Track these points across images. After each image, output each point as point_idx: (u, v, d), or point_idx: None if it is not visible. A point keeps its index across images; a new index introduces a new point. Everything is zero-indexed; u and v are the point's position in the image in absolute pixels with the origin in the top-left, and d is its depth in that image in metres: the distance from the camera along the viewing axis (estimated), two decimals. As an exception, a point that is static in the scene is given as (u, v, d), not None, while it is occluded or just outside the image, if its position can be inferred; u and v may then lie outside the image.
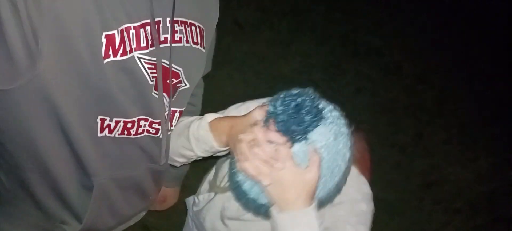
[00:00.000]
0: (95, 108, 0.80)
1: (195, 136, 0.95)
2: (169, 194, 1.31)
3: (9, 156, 0.86)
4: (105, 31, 0.73)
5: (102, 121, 0.82)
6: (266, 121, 0.85)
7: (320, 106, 0.87)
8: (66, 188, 0.91)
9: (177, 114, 0.96)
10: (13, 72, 0.68)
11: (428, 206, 2.78)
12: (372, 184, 2.70)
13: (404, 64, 3.63)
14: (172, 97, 0.91)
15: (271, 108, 0.84)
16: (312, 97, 0.85)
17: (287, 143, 0.81)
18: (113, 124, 0.84)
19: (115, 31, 0.74)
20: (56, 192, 0.91)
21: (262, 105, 0.88)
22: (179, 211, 2.20)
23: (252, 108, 0.90)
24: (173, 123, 0.96)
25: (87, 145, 0.84)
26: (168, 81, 0.86)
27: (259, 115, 0.86)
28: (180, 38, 0.87)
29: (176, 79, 0.89)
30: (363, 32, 3.72)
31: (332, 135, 0.86)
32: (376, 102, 3.31)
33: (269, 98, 0.89)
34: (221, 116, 0.98)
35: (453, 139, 3.21)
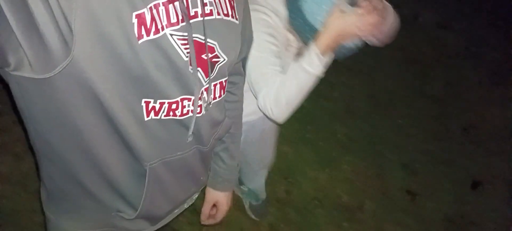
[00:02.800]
0: (137, 91, 0.78)
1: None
2: (220, 201, 1.25)
3: (57, 151, 0.84)
4: (134, 11, 0.71)
5: (147, 103, 0.80)
6: (353, 3, 1.15)
7: None
8: (118, 177, 0.89)
9: (218, 86, 0.93)
10: (49, 60, 0.67)
11: (470, 149, 2.72)
12: (413, 136, 2.68)
13: (422, 13, 3.56)
14: (211, 72, 0.87)
15: None
16: None
17: None
18: (157, 106, 0.82)
19: (145, 10, 0.72)
20: (108, 182, 0.89)
21: (336, 6, 1.18)
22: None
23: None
24: (216, 94, 0.93)
25: (135, 130, 0.82)
26: (203, 56, 0.83)
27: (342, 12, 1.17)
28: (211, 10, 0.84)
29: (212, 54, 0.86)
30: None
31: None
32: (400, 56, 3.24)
33: None
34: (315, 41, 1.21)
35: (485, 80, 3.14)
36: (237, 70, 1.08)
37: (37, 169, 0.98)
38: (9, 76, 0.71)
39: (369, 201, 2.34)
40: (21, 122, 0.84)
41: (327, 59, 1.23)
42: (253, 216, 2.15)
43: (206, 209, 1.25)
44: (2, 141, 2.29)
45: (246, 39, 1.01)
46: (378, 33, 1.20)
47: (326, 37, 1.19)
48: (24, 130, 0.86)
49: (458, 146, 2.74)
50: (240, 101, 1.16)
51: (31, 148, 0.90)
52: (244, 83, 1.15)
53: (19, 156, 2.22)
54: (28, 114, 0.79)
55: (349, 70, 3.10)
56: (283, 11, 1.31)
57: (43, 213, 1.02)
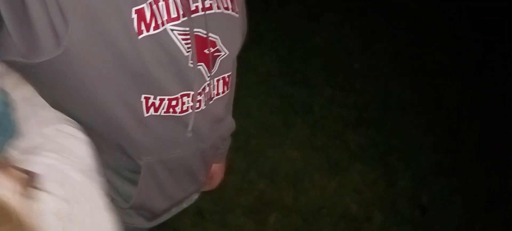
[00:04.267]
0: (137, 87, 0.78)
1: None
2: (215, 171, 1.25)
3: None
4: (134, 6, 0.71)
5: (146, 99, 0.80)
6: None
7: None
8: (112, 172, 0.89)
9: (221, 81, 0.92)
10: (37, 48, 0.68)
11: (484, 164, 2.65)
12: (426, 148, 2.63)
13: (441, 23, 3.50)
14: (212, 67, 0.87)
15: None
16: None
17: None
18: (157, 102, 0.81)
19: (144, 5, 0.72)
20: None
21: None
22: (231, 195, 2.20)
23: None
24: (220, 90, 0.92)
25: (132, 126, 0.82)
26: (205, 51, 0.83)
27: None
28: (211, 4, 0.83)
29: (213, 48, 0.86)
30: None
31: None
32: (416, 65, 3.19)
33: None
34: None
35: (503, 93, 3.06)
36: None
37: None
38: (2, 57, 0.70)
39: (378, 212, 2.29)
40: None
41: None
42: None
43: None
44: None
45: (243, 33, 1.01)
46: None
47: None
48: None
49: (472, 160, 2.67)
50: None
51: None
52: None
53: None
54: None
55: (364, 77, 3.05)
56: None
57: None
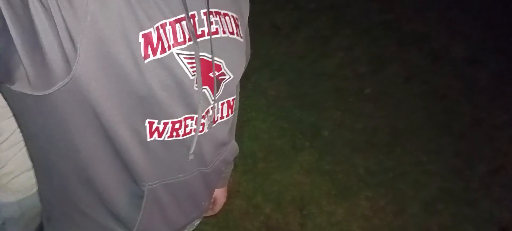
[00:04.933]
0: (141, 111, 0.77)
1: None
2: (217, 196, 1.25)
3: (53, 169, 0.84)
4: (141, 30, 0.71)
5: (150, 124, 0.79)
6: None
7: None
8: (115, 198, 0.88)
9: (226, 105, 0.93)
10: (49, 77, 0.67)
11: (497, 192, 2.59)
12: (436, 175, 2.58)
13: (453, 47, 3.47)
14: (217, 91, 0.87)
15: None
16: None
17: None
18: (161, 127, 0.81)
19: (151, 29, 0.72)
20: (104, 203, 0.88)
21: None
22: (236, 219, 2.19)
23: None
24: (224, 113, 0.93)
25: (136, 151, 0.81)
26: (210, 74, 0.83)
27: None
28: (217, 29, 0.84)
29: (218, 72, 0.86)
30: (406, 19, 3.59)
31: None
32: (427, 90, 3.16)
33: None
34: None
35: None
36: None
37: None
38: (10, 92, 0.70)
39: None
40: None
41: None
42: None
43: None
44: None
45: (247, 58, 1.02)
46: None
47: None
48: None
49: (484, 188, 2.61)
50: (235, 115, 1.13)
51: None
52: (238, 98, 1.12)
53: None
54: (27, 133, 0.80)
55: (374, 101, 3.03)
56: None
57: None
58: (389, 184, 2.55)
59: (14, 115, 0.78)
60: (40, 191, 0.94)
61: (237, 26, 0.90)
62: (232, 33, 0.88)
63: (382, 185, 2.54)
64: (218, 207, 1.29)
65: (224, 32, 0.86)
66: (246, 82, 2.89)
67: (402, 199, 2.47)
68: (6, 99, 0.75)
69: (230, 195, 2.12)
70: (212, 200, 1.23)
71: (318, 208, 2.34)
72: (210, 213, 1.29)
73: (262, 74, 3.02)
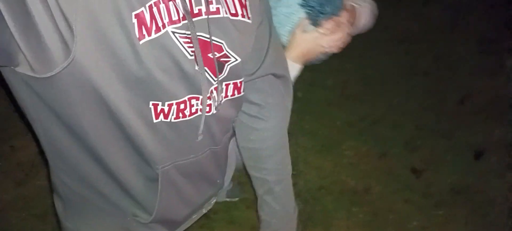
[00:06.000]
0: (143, 93, 0.76)
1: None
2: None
3: (66, 153, 0.82)
4: (133, 11, 0.69)
5: (155, 106, 0.78)
6: (315, 23, 1.13)
7: None
8: (130, 181, 0.87)
9: (231, 86, 0.89)
10: (48, 60, 0.66)
11: (468, 120, 2.74)
12: (410, 114, 2.68)
13: None
14: (221, 72, 0.84)
15: (311, 13, 1.12)
16: None
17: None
18: (166, 108, 0.79)
19: (143, 9, 0.70)
20: (121, 185, 0.87)
21: (299, 26, 1.15)
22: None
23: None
24: (229, 93, 0.89)
25: (144, 132, 0.80)
26: (210, 55, 0.80)
27: (304, 32, 1.15)
28: (218, 9, 0.80)
29: (219, 53, 0.82)
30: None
31: None
32: (387, 35, 3.26)
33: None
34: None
35: (474, 50, 3.17)
36: (261, 88, 1.02)
37: (41, 189, 0.97)
38: (15, 75, 0.69)
39: (375, 183, 2.35)
40: (20, 147, 0.83)
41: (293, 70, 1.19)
42: (227, 199, 2.17)
43: None
44: (1, 169, 2.26)
45: (265, 49, 0.96)
46: (347, 40, 1.21)
47: (288, 55, 1.16)
48: (33, 150, 0.85)
49: (456, 118, 2.75)
50: (271, 130, 1.08)
51: (32, 172, 0.88)
52: (277, 107, 1.07)
53: (21, 181, 2.19)
54: (36, 116, 0.78)
55: (340, 56, 3.08)
56: None
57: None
58: (368, 130, 2.65)
59: (21, 100, 0.75)
60: (55, 178, 0.92)
61: (243, 6, 0.85)
62: (235, 14, 0.84)
63: (362, 132, 2.63)
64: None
65: (226, 12, 0.82)
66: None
67: (383, 142, 2.57)
68: (15, 87, 0.73)
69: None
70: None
71: (306, 166, 2.40)
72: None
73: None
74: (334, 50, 1.20)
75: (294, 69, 1.19)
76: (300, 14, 1.14)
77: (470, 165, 2.47)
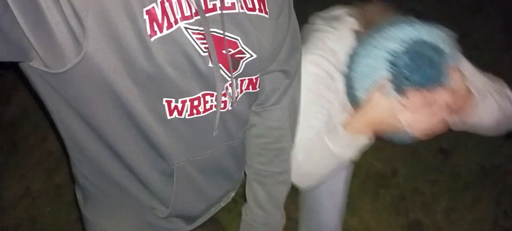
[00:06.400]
0: (155, 91, 0.75)
1: (336, 153, 1.00)
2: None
3: (84, 147, 0.83)
4: (144, 7, 0.68)
5: (168, 103, 0.77)
6: (398, 90, 0.91)
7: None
8: (147, 175, 0.87)
9: (246, 81, 0.87)
10: (60, 56, 0.66)
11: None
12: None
13: None
14: (236, 69, 0.82)
15: (397, 75, 0.90)
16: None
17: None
18: (180, 105, 0.78)
19: (154, 4, 0.68)
20: (138, 178, 0.87)
21: (380, 85, 0.93)
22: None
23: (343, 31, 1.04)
24: (243, 88, 0.87)
25: (158, 129, 0.79)
26: (223, 51, 0.78)
27: (384, 95, 0.93)
28: (233, 4, 0.78)
29: (234, 49, 0.80)
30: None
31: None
32: None
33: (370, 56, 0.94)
34: (349, 119, 1.00)
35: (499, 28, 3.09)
36: (279, 97, 0.97)
37: (71, 177, 0.98)
38: (32, 69, 0.70)
39: (402, 165, 2.33)
40: (50, 138, 0.84)
41: (357, 142, 1.01)
42: None
43: None
44: (33, 158, 2.32)
45: (281, 43, 0.90)
46: (441, 127, 0.94)
47: (357, 119, 0.98)
48: (59, 143, 0.84)
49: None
50: (286, 135, 1.03)
51: (62, 160, 0.89)
52: (289, 111, 1.00)
53: (52, 170, 2.25)
54: (54, 109, 0.78)
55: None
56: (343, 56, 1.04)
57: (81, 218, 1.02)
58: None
59: (39, 93, 0.76)
60: (75, 170, 0.93)
61: (261, 1, 0.82)
62: (252, 9, 0.81)
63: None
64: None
65: (242, 7, 0.79)
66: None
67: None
68: (33, 80, 0.74)
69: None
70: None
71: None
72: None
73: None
74: (417, 134, 0.94)
75: (357, 141, 1.01)
76: (385, 72, 0.91)
77: (500, 145, 2.42)
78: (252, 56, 0.83)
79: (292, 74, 0.95)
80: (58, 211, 2.10)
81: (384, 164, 2.33)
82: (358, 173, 2.29)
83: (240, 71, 0.83)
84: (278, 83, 0.95)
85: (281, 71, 0.93)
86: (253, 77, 0.87)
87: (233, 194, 1.10)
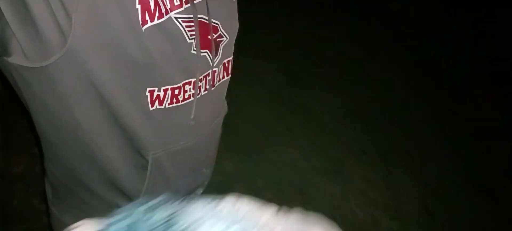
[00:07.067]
0: (142, 80, 0.76)
1: None
2: None
3: (56, 144, 0.83)
4: None
5: (151, 92, 0.78)
6: None
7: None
8: (119, 171, 0.87)
9: (221, 66, 0.90)
10: (43, 49, 0.66)
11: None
12: (432, 151, 2.56)
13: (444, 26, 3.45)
14: (216, 54, 0.86)
15: None
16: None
17: None
18: (161, 94, 0.79)
19: None
20: (107, 177, 0.88)
21: None
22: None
23: None
24: (220, 76, 0.91)
25: (139, 121, 0.80)
26: (208, 36, 0.81)
27: None
28: None
29: (216, 34, 0.84)
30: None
31: None
32: (421, 67, 3.15)
33: None
34: None
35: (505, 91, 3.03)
36: None
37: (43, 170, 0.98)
38: (8, 65, 0.69)
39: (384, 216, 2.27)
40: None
41: None
42: None
43: None
44: (20, 143, 2.33)
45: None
46: None
47: None
48: None
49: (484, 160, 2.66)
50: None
51: None
52: None
53: (36, 157, 2.25)
54: (29, 105, 0.78)
55: (369, 84, 3.05)
56: None
57: (49, 209, 1.02)
58: (384, 159, 2.58)
59: (15, 88, 0.76)
60: (46, 167, 0.94)
61: None
62: None
63: (376, 161, 2.56)
64: None
65: None
66: (243, 70, 2.89)
67: (395, 173, 2.50)
68: (6, 75, 0.73)
69: (230, 180, 2.10)
70: None
71: (317, 191, 2.35)
72: None
73: (258, 62, 3.02)
74: None
75: None
76: None
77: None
78: (227, 39, 0.87)
79: None
80: (30, 199, 2.09)
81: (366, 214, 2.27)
82: (341, 222, 2.23)
83: (220, 56, 0.86)
84: None
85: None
86: (226, 60, 0.91)
87: (201, 191, 1.11)
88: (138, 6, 0.69)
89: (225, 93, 0.99)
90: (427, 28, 3.59)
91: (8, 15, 0.61)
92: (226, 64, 0.92)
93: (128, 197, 0.92)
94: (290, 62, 3.15)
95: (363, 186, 2.41)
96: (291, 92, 2.91)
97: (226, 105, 1.08)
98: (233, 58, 0.95)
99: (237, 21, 0.93)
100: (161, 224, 0.57)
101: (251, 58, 3.00)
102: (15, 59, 0.67)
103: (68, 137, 0.80)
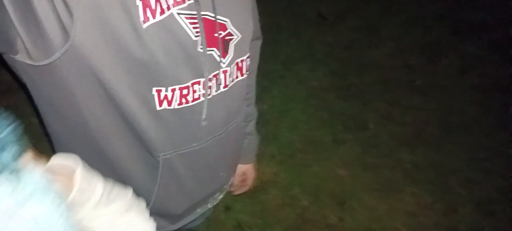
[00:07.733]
0: (146, 79, 0.75)
1: None
2: (245, 171, 1.22)
3: (66, 142, 0.84)
4: None
5: (158, 92, 0.77)
6: None
7: None
8: (129, 170, 0.87)
9: (234, 66, 0.88)
10: (46, 46, 0.67)
11: None
12: (491, 173, 2.34)
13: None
14: (226, 52, 0.85)
15: None
16: None
17: None
18: (169, 94, 0.79)
19: None
20: (119, 176, 0.86)
21: None
22: (272, 210, 2.09)
23: None
24: (233, 76, 0.89)
25: (147, 120, 0.80)
26: (215, 34, 0.80)
27: None
28: None
29: (224, 32, 0.82)
30: (462, 8, 3.34)
31: None
32: (485, 82, 2.92)
33: None
34: None
35: None
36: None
37: None
38: (16, 63, 0.70)
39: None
40: None
41: None
42: None
43: (236, 180, 1.22)
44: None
45: (255, 17, 0.95)
46: None
47: None
48: None
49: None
50: (253, 104, 1.13)
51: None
52: (255, 83, 1.08)
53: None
54: (37, 102, 0.78)
55: (425, 94, 2.83)
56: None
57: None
58: (439, 180, 2.35)
59: (26, 84, 0.76)
60: None
61: None
62: None
63: (430, 181, 2.34)
64: (249, 182, 1.26)
65: None
66: (287, 72, 2.82)
67: (452, 198, 2.27)
68: (15, 70, 0.73)
69: (266, 185, 2.05)
70: (242, 177, 1.21)
71: (359, 203, 2.20)
72: (243, 189, 1.27)
73: (304, 64, 2.91)
74: None
75: None
76: None
77: None
78: (238, 37, 0.85)
79: (259, 33, 0.99)
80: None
81: None
82: None
83: (231, 55, 0.85)
84: (254, 51, 0.98)
85: (256, 39, 0.97)
86: (239, 59, 0.88)
87: (221, 196, 1.10)
88: (139, 3, 0.68)
89: (242, 94, 0.96)
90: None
91: (11, 12, 0.62)
92: (240, 64, 0.88)
93: (141, 195, 0.87)
94: (337, 65, 3.00)
95: (414, 208, 2.22)
96: (337, 98, 2.76)
97: (255, 109, 1.09)
98: (249, 57, 0.91)
99: (251, 18, 0.90)
100: None
101: (294, 59, 2.91)
102: (21, 57, 0.68)
103: (77, 136, 0.80)
